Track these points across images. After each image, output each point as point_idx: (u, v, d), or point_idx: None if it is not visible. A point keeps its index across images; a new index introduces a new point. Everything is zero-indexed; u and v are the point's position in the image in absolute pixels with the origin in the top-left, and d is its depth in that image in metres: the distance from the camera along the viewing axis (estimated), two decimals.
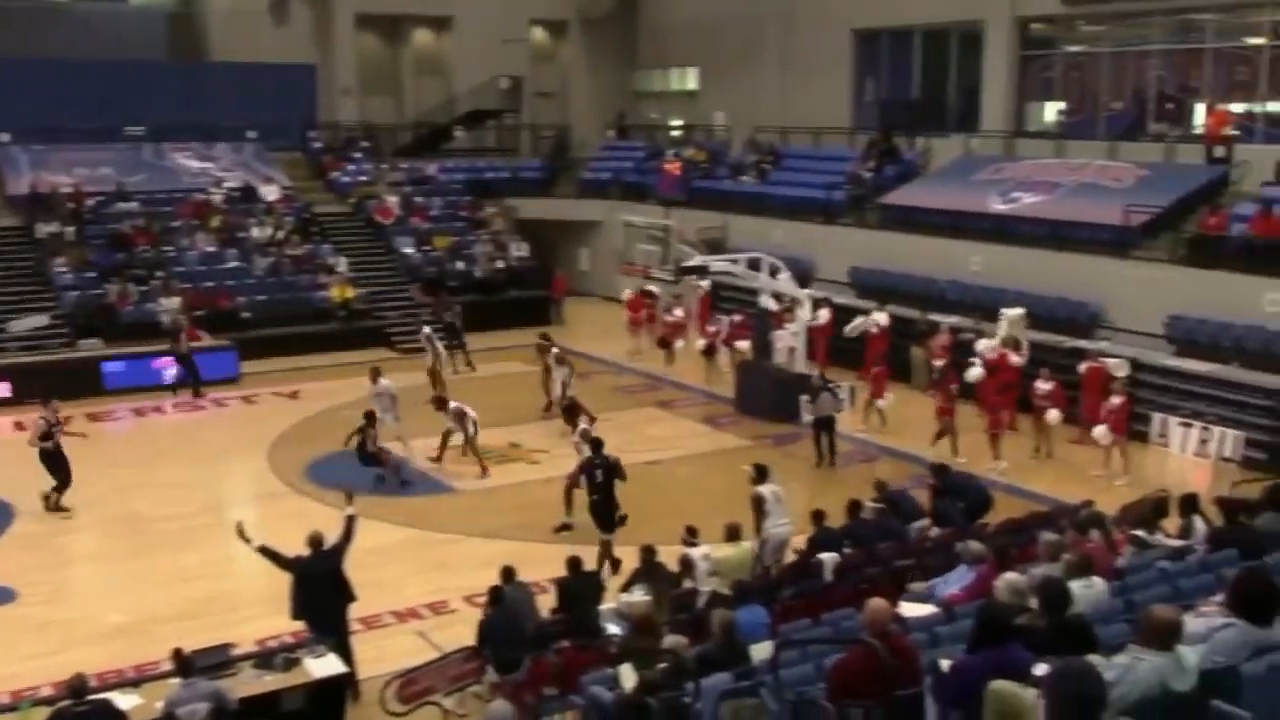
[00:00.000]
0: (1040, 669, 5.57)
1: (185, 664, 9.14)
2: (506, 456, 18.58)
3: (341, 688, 10.20)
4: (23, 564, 14.31)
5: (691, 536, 12.18)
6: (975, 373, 18.74)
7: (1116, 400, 17.00)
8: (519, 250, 30.21)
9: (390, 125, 34.65)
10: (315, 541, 11.01)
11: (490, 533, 15.01)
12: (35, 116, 29.18)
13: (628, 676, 7.65)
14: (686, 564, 11.75)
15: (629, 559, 11.90)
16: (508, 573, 11.28)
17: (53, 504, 16.04)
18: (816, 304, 22.14)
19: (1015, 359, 18.80)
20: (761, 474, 13.57)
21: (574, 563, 11.43)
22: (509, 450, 18.84)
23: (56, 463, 16.15)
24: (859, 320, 21.92)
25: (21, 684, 10.97)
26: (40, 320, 24.19)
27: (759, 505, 13.16)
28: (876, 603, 6.96)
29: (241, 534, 11.07)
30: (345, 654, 10.65)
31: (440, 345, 22.95)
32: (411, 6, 35.75)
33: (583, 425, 15.88)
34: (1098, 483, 16.35)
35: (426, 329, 23.04)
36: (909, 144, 28.11)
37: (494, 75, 33.92)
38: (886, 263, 24.68)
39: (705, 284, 24.68)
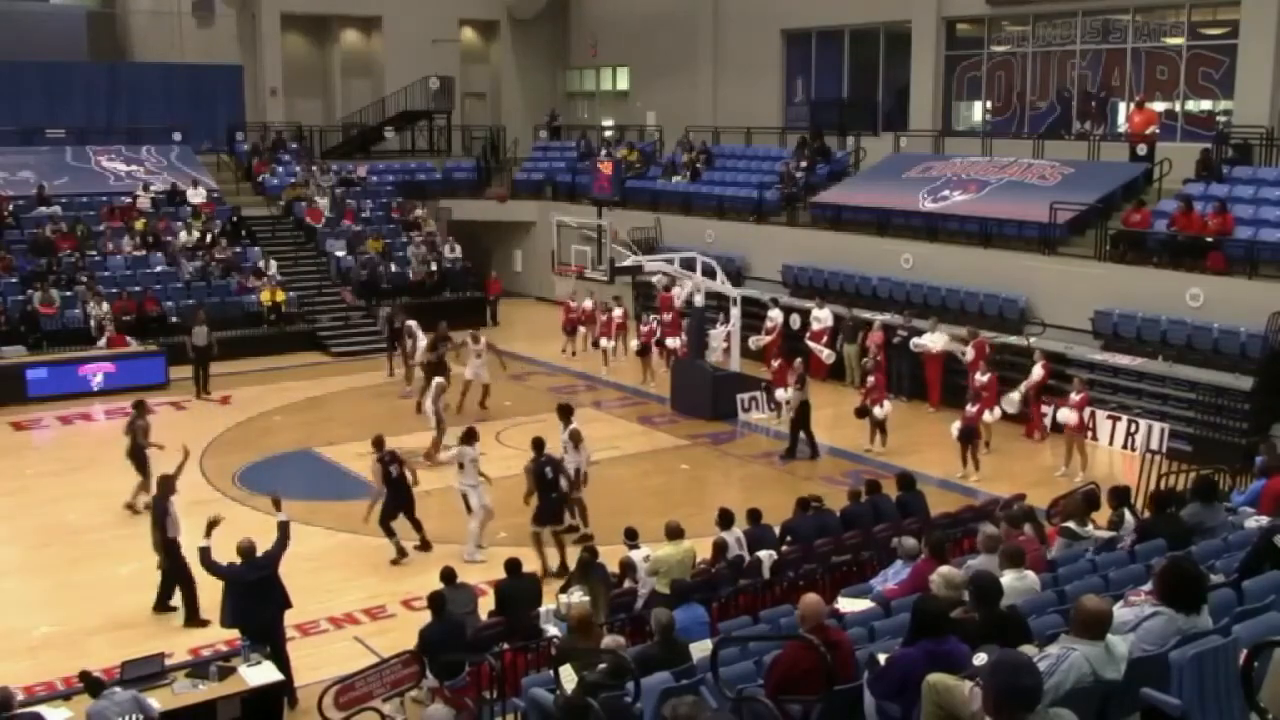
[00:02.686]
0: (979, 659, 5.65)
1: (93, 684, 8.98)
2: (445, 461, 18.46)
3: (278, 696, 10.10)
4: None
5: (631, 539, 12.19)
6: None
7: (1076, 396, 17.28)
8: (452, 252, 30.04)
9: (319, 126, 34.26)
10: (247, 550, 10.88)
11: (429, 536, 14.89)
12: None
13: (568, 678, 7.65)
14: (627, 566, 11.77)
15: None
16: (448, 575, 11.24)
17: None
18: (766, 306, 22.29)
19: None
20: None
21: (512, 565, 11.39)
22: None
23: None
24: (926, 338, 20.62)
25: None
26: None
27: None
28: (810, 598, 7.04)
29: (209, 529, 10.96)
30: (281, 662, 10.53)
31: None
32: (339, 6, 35.36)
33: (573, 425, 15.79)
34: (1029, 477, 16.65)
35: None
36: (839, 143, 28.39)
37: (424, 76, 33.70)
38: (818, 260, 24.90)
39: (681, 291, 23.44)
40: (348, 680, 10.09)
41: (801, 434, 18.35)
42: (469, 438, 14.77)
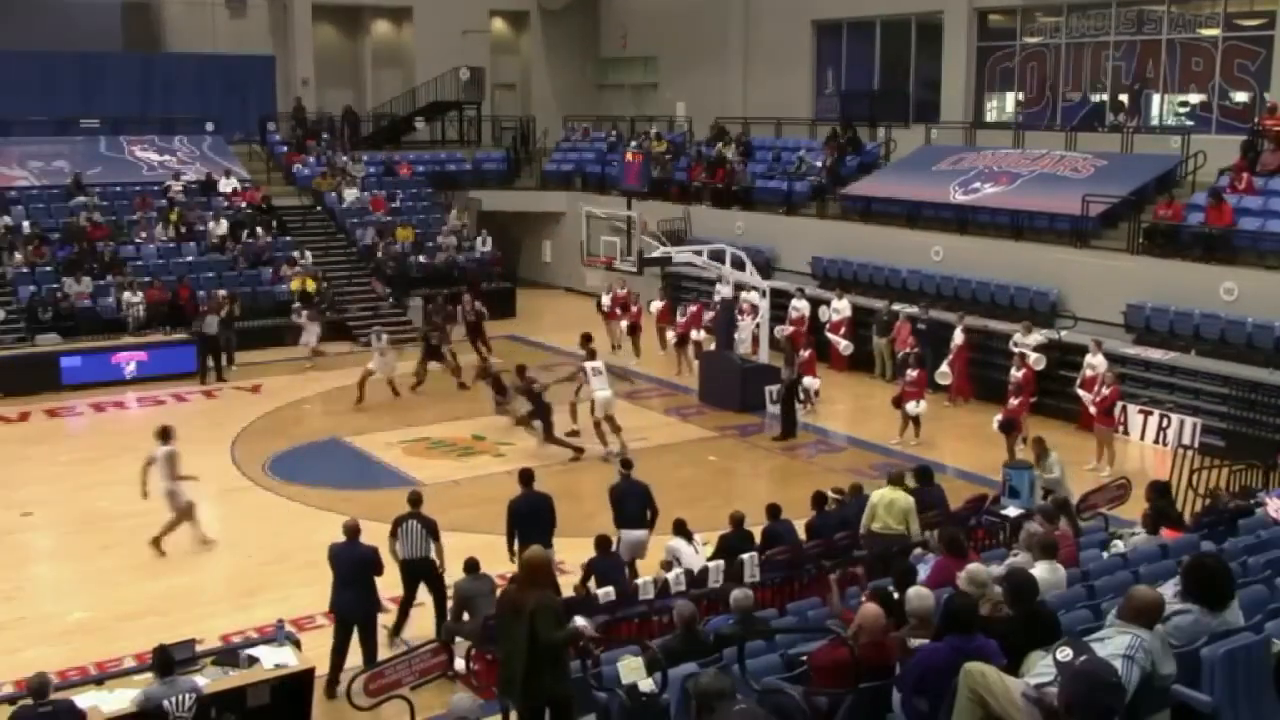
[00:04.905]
0: (1063, 654, 5.47)
1: (165, 663, 9.07)
2: (471, 449, 18.56)
3: (306, 683, 10.15)
4: None
5: (681, 532, 12.17)
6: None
7: (1105, 390, 17.19)
8: (484, 244, 30.11)
9: (351, 117, 34.38)
10: (351, 529, 11.16)
11: (454, 526, 14.93)
12: None
13: (632, 668, 7.54)
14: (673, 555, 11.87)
15: (587, 549, 11.90)
16: (471, 565, 11.30)
17: None
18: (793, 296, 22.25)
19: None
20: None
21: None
22: (473, 442, 18.82)
23: None
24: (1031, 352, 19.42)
25: None
26: None
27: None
28: (869, 609, 6.92)
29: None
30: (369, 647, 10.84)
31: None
32: None
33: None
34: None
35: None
36: (870, 135, 28.26)
37: (455, 66, 33.77)
38: (848, 253, 24.82)
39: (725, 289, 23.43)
40: (377, 668, 10.17)
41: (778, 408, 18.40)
42: None
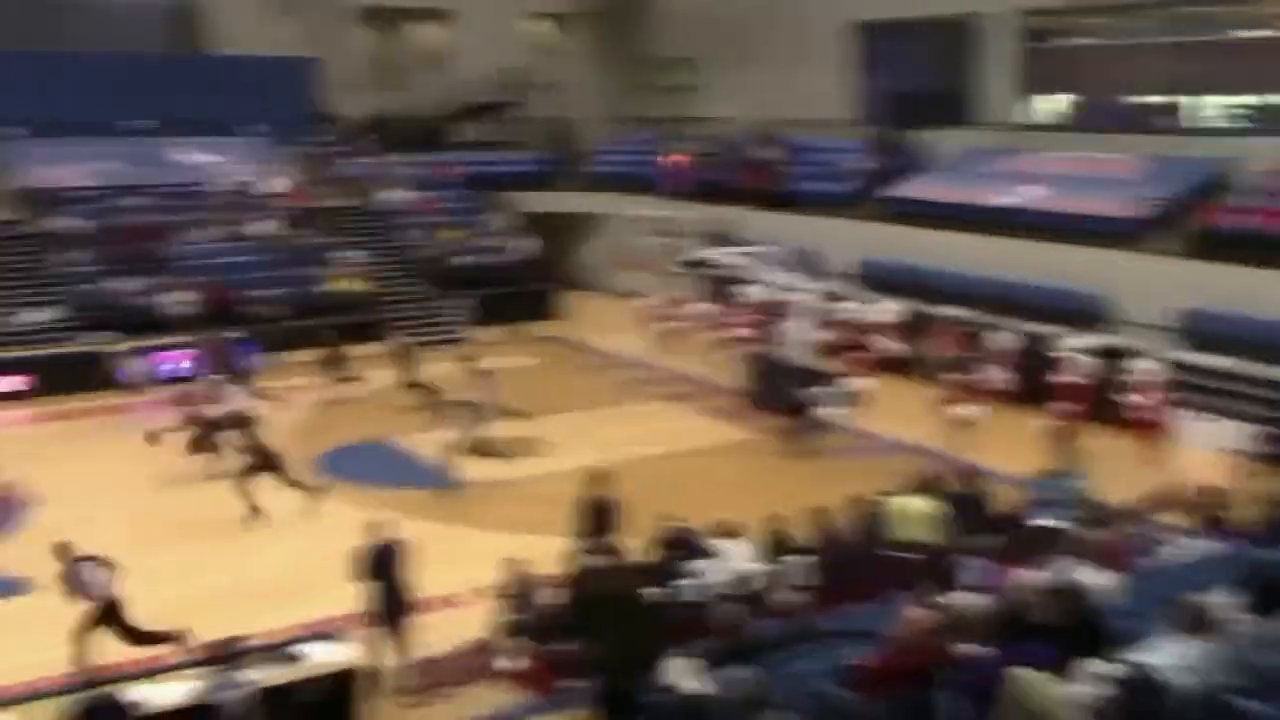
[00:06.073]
0: (1113, 663, 5.43)
1: (225, 653, 9.20)
2: (520, 450, 18.63)
3: (355, 679, 10.24)
4: (41, 555, 14.33)
5: (725, 533, 12.18)
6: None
7: (1155, 395, 17.05)
8: (524, 244, 30.23)
9: (395, 118, 34.64)
10: (381, 529, 11.28)
11: (499, 525, 15.05)
12: (43, 110, 29.21)
13: (681, 669, 7.55)
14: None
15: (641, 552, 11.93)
16: (511, 564, 11.38)
17: None
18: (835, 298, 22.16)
19: None
20: None
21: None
22: (522, 444, 18.89)
23: None
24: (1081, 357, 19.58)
25: (33, 675, 11.03)
26: (48, 314, 24.25)
27: None
28: (918, 614, 6.92)
29: None
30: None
31: None
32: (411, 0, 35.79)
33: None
34: (1117, 478, 16.40)
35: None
36: (913, 137, 28.14)
37: (497, 68, 33.93)
38: (891, 255, 24.73)
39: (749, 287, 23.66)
40: (423, 665, 10.28)
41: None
42: None
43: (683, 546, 11.76)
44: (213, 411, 17.71)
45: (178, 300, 24.83)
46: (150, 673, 10.07)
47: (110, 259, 25.85)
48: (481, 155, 34.39)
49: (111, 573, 11.30)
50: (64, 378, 22.12)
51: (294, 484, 15.78)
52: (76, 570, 10.90)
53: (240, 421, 16.85)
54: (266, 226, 28.14)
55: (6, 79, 29.15)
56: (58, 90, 29.76)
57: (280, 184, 29.93)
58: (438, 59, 36.68)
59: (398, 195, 30.58)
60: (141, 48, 33.44)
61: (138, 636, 10.84)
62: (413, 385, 20.89)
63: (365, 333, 25.80)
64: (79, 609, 11.20)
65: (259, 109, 31.86)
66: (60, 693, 9.40)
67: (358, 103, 34.47)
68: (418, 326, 26.78)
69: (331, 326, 23.10)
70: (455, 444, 16.78)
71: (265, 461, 15.60)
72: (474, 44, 34.95)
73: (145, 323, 24.10)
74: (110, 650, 11.18)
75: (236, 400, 18.23)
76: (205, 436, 17.40)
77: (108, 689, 8.84)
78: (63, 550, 11.09)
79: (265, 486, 15.74)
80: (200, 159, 30.77)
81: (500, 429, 18.26)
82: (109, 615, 10.81)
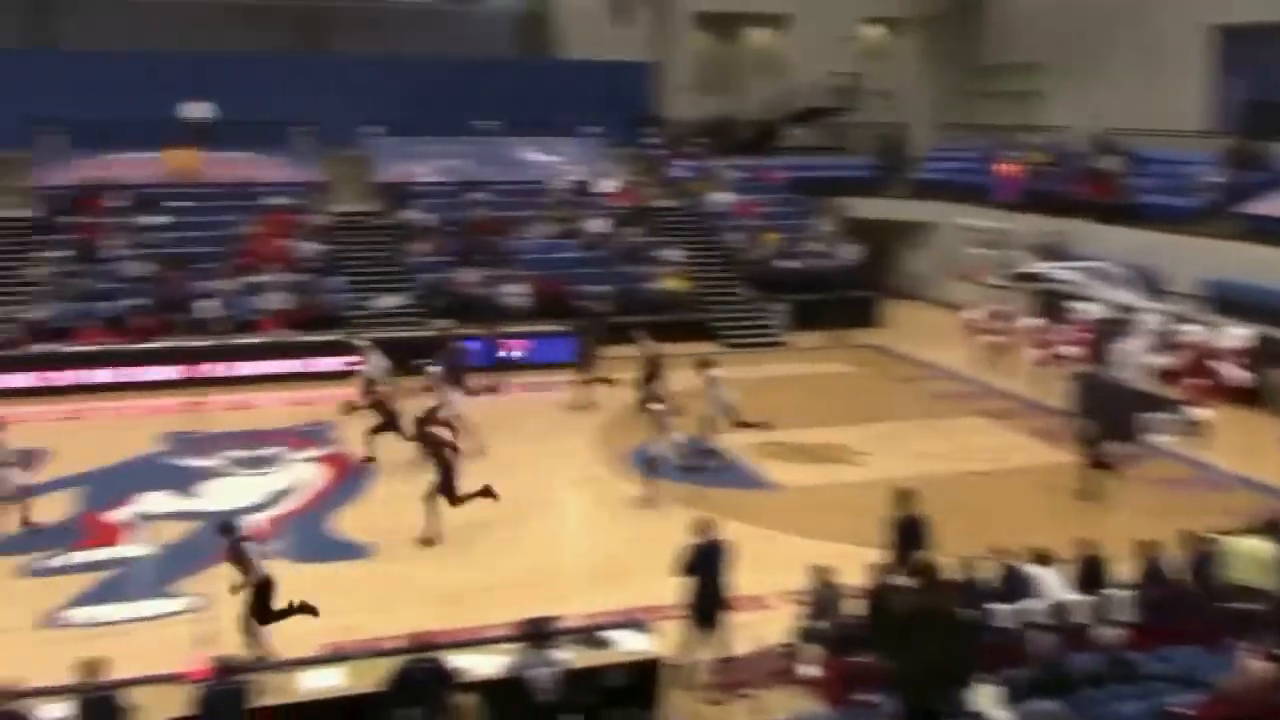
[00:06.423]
0: None
1: (534, 632, 9.65)
2: (828, 456, 18.56)
3: (659, 670, 10.44)
4: (380, 524, 15.48)
5: (1041, 560, 11.72)
6: None
7: None
8: (848, 250, 30.03)
9: (727, 121, 35.18)
10: (704, 527, 11.24)
11: (808, 531, 15.02)
12: (399, 111, 31.53)
13: (986, 696, 7.36)
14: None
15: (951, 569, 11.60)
16: (818, 571, 11.31)
17: None
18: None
19: None
20: None
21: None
22: (832, 451, 18.80)
23: None
24: None
25: (362, 635, 11.80)
26: (397, 300, 26.13)
27: None
28: (1259, 666, 6.42)
29: None
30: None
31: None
32: (750, 5, 36.24)
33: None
34: None
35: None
36: (1276, 149, 25.98)
37: (829, 73, 33.84)
38: (1246, 276, 22.92)
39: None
40: (727, 663, 10.39)
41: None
42: None
43: (995, 569, 11.37)
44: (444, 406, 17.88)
45: (513, 292, 26.20)
46: (469, 643, 10.62)
47: (453, 250, 27.59)
48: (809, 160, 34.39)
49: (265, 553, 11.95)
50: (405, 360, 23.63)
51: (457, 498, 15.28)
52: (241, 549, 11.55)
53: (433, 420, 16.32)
54: (598, 224, 29.23)
55: (366, 83, 31.64)
56: (413, 92, 32.01)
57: (611, 183, 31.03)
58: (770, 63, 36.95)
59: (722, 197, 31.05)
60: (496, 53, 35.50)
61: (272, 615, 11.44)
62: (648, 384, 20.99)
63: (684, 332, 26.40)
64: (407, 577, 11.92)
65: (597, 111, 33.10)
66: (387, 654, 10.01)
67: (687, 105, 35.24)
68: (735, 328, 27.15)
69: (641, 325, 23.54)
70: (658, 450, 16.59)
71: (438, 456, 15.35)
72: (807, 48, 35.05)
73: (482, 311, 25.44)
74: (434, 619, 11.85)
75: (451, 398, 18.61)
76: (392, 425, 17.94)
77: (428, 655, 9.40)
78: (228, 530, 11.75)
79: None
80: (540, 158, 32.40)
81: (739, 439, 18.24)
82: (261, 593, 11.38)
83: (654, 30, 35.91)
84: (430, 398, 17.97)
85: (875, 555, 11.97)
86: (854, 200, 32.60)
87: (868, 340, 27.13)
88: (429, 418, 16.07)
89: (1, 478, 15.14)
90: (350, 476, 17.61)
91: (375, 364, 19.82)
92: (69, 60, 31.32)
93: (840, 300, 28.22)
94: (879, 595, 11.00)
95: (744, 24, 37.27)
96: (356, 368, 20.56)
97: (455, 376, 19.67)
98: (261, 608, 11.31)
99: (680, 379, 19.59)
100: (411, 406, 17.53)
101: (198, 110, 30.00)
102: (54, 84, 29.59)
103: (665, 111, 35.07)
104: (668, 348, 24.75)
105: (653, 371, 20.01)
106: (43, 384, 22.49)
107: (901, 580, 11.01)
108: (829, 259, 29.49)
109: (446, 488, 14.94)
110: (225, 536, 11.63)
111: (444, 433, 15.81)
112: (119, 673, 9.31)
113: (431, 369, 19.33)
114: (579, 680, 9.75)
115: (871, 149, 35.12)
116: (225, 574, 11.66)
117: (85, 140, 28.71)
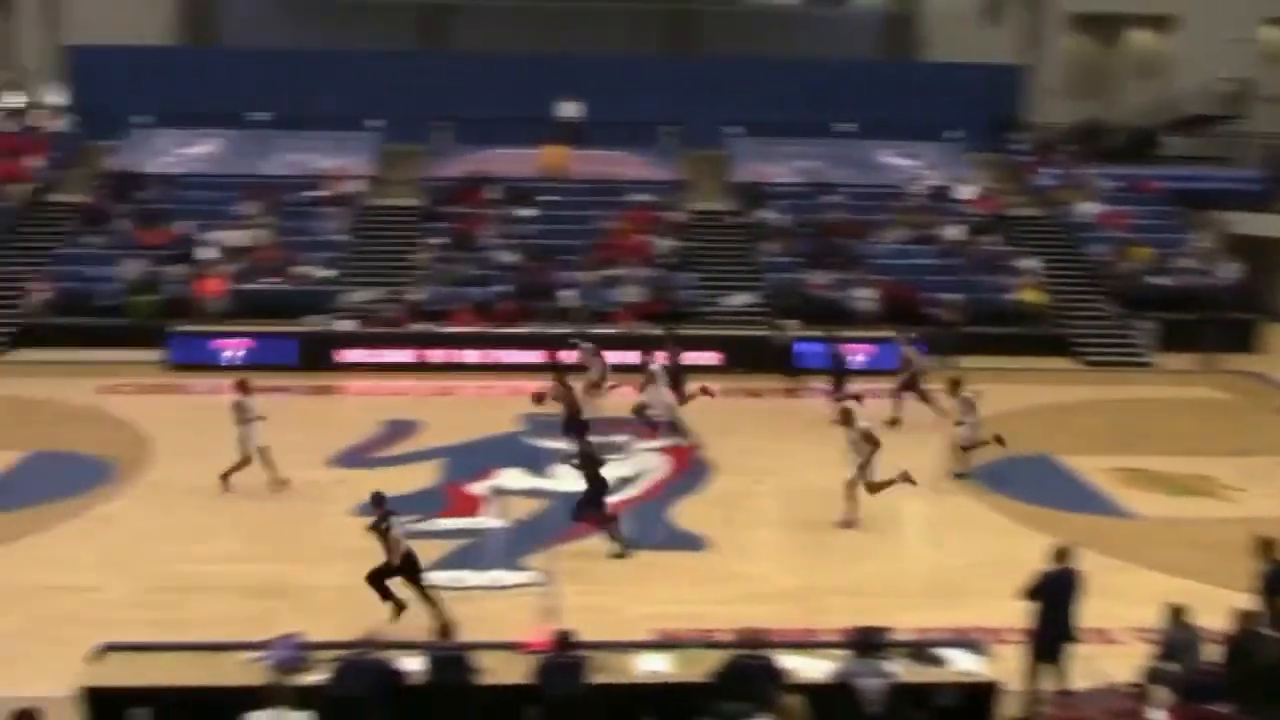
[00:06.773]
0: None
1: (866, 641, 9.59)
2: (1194, 489, 17.34)
3: (993, 695, 10.11)
4: (717, 519, 15.80)
5: None
6: None
7: None
8: (1227, 268, 27.86)
9: (1101, 127, 33.46)
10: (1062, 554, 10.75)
11: (1165, 566, 14.10)
12: (760, 112, 31.93)
13: None
14: None
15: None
16: (1175, 611, 10.57)
17: None
18: None
19: None
20: None
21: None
22: (1197, 482, 17.56)
23: None
24: None
25: (703, 624, 12.04)
26: (746, 299, 26.52)
27: None
28: None
29: None
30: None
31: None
32: (1132, 5, 34.39)
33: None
34: None
35: None
36: None
37: (1215, 77, 31.53)
38: None
39: None
40: (1066, 696, 9.94)
41: None
42: None
43: None
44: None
45: (861, 296, 25.99)
46: (799, 644, 10.65)
47: (804, 251, 27.66)
48: (1191, 170, 32.21)
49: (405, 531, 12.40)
50: (748, 358, 23.99)
51: None
52: (387, 523, 12.07)
53: None
54: (954, 231, 28.53)
55: (730, 85, 32.27)
56: (774, 94, 32.33)
57: (970, 189, 30.19)
58: (1151, 66, 34.84)
59: (1089, 207, 29.58)
60: (861, 54, 35.31)
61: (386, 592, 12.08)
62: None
63: (1037, 346, 25.41)
64: (741, 572, 12.02)
65: (959, 114, 32.35)
66: (717, 646, 10.19)
67: (1056, 110, 33.80)
68: (1097, 346, 25.83)
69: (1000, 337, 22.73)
70: (855, 477, 15.60)
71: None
72: (1195, 51, 32.84)
73: (829, 315, 25.32)
74: (767, 617, 11.95)
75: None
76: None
77: (759, 652, 9.48)
78: (379, 500, 12.24)
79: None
80: (897, 161, 31.99)
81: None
82: (406, 567, 12.01)
83: (1025, 31, 34.66)
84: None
85: (1240, 600, 11.07)
86: (1237, 215, 30.25)
87: (1244, 366, 25.14)
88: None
89: (246, 435, 16.38)
90: (692, 469, 18.03)
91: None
92: (458, 61, 33.73)
93: (1216, 322, 26.14)
94: (1242, 643, 10.18)
95: (1125, 25, 35.33)
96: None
97: (675, 378, 19.91)
98: (387, 576, 12.06)
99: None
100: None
101: (570, 109, 31.58)
102: (444, 83, 31.98)
103: (1032, 116, 33.76)
104: (1018, 361, 24.02)
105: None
106: (419, 360, 24.40)
107: (1268, 631, 10.16)
108: (1205, 277, 27.48)
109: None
110: (375, 509, 12.26)
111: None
112: (469, 636, 9.99)
113: (652, 366, 19.57)
114: (909, 695, 9.60)
115: (1260, 160, 32.42)
116: (569, 551, 12.18)
117: (469, 136, 30.96)
